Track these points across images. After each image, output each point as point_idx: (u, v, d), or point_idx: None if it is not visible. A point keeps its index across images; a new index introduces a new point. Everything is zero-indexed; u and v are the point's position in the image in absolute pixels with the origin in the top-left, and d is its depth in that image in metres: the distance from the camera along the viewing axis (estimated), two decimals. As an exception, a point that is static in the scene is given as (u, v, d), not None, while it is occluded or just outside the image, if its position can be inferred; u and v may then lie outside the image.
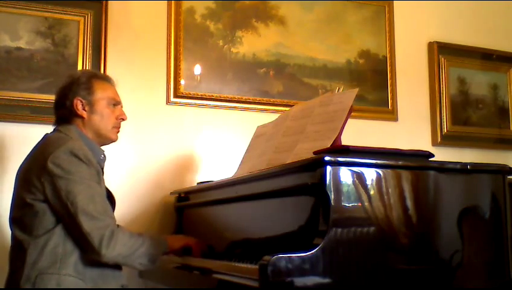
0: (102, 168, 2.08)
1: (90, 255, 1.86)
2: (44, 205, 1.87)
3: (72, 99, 2.04)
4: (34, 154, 1.99)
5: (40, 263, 1.84)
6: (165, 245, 2.06)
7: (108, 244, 1.83)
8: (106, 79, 2.17)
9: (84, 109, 2.05)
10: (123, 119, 2.15)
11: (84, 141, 2.01)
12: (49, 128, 2.11)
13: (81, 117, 2.05)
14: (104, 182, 2.02)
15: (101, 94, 2.08)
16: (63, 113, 2.07)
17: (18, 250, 1.91)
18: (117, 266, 1.97)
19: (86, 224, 1.82)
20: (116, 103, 2.13)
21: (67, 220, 1.86)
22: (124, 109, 2.17)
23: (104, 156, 2.11)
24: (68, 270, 1.85)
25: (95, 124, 2.06)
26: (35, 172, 1.89)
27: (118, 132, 2.15)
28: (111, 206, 2.04)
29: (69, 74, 2.18)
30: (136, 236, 1.94)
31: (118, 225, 1.93)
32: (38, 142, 2.04)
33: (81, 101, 2.04)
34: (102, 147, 2.13)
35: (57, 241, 1.87)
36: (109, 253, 1.83)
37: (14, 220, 1.96)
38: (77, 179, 1.86)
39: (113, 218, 1.93)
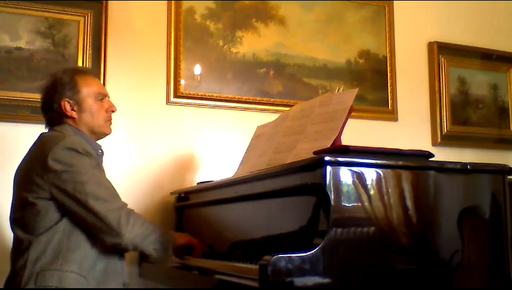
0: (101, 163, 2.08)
1: (109, 239, 1.86)
2: (47, 203, 1.87)
3: (59, 102, 2.03)
4: (32, 154, 1.99)
5: (43, 259, 1.85)
6: (172, 238, 2.05)
7: (127, 223, 1.84)
8: (88, 73, 2.16)
9: (73, 110, 2.04)
10: (113, 111, 2.14)
11: (80, 136, 2.01)
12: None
13: (72, 118, 2.05)
14: (105, 174, 2.03)
15: (86, 91, 2.06)
16: (53, 117, 2.06)
17: (20, 249, 1.91)
18: (120, 263, 1.96)
19: (100, 207, 1.83)
20: (103, 96, 2.11)
21: (79, 211, 1.85)
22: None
23: (102, 151, 2.11)
24: (70, 267, 1.85)
25: (86, 122, 2.06)
26: (37, 171, 1.89)
27: (111, 124, 2.15)
28: None
29: (50, 74, 2.15)
30: (148, 222, 1.95)
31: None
32: (35, 142, 2.03)
33: (69, 102, 2.03)
34: (99, 142, 2.14)
35: (60, 237, 1.87)
36: (129, 233, 1.84)
37: (15, 221, 1.96)
38: (81, 170, 1.87)
39: (123, 200, 1.94)
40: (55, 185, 1.86)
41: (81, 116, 2.05)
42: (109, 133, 2.14)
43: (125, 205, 1.91)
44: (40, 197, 1.88)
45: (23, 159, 2.03)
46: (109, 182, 1.97)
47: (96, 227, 1.86)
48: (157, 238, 1.94)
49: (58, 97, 2.03)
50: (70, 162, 1.87)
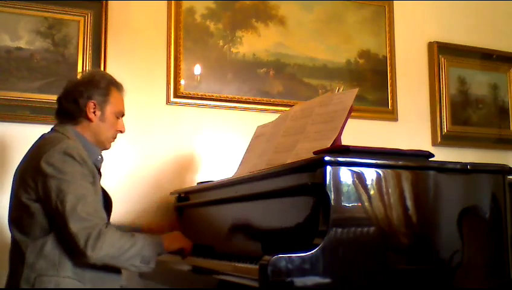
0: (99, 169, 2.08)
1: (78, 256, 1.83)
2: (38, 205, 1.87)
3: (86, 100, 2.04)
4: (30, 155, 1.98)
5: (39, 265, 1.84)
6: (160, 246, 1.99)
7: (94, 245, 1.78)
8: (121, 89, 2.17)
9: (94, 113, 2.05)
10: (121, 132, 2.18)
11: (81, 141, 2.01)
12: (49, 128, 2.11)
13: (88, 119, 2.05)
14: (99, 183, 2.02)
15: (113, 105, 2.10)
16: (72, 109, 2.05)
17: (17, 251, 1.90)
18: (116, 269, 1.95)
19: (73, 224, 1.79)
20: (122, 115, 2.16)
21: (58, 220, 1.84)
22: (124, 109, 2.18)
23: (101, 157, 2.11)
24: (67, 273, 1.85)
25: (98, 130, 2.07)
26: (30, 172, 1.89)
27: (113, 141, 2.17)
28: (107, 208, 2.03)
29: (90, 72, 2.19)
30: (128, 236, 1.89)
31: (108, 225, 1.87)
32: (35, 142, 2.03)
33: (95, 105, 2.05)
34: None
35: (55, 242, 1.86)
36: (95, 254, 1.79)
37: (13, 221, 1.95)
38: (69, 178, 1.84)
39: (104, 219, 1.88)
40: (42, 187, 1.85)
41: (97, 123, 2.07)
42: (108, 148, 2.16)
43: (100, 223, 1.83)
44: (31, 199, 1.87)
45: (22, 159, 2.03)
46: (94, 195, 1.91)
47: (68, 241, 1.83)
48: (137, 252, 1.88)
49: (87, 95, 2.05)
50: (61, 167, 1.85)
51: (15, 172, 2.02)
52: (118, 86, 2.16)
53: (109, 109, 2.09)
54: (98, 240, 1.80)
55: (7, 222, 2.01)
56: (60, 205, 1.81)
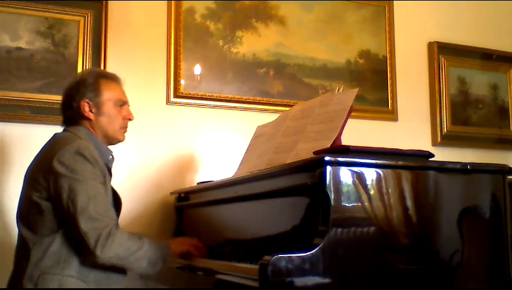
0: (110, 169, 2.08)
1: (87, 256, 1.84)
2: (48, 203, 1.88)
3: (79, 101, 2.03)
4: (42, 154, 1.99)
5: (44, 262, 1.84)
6: (167, 250, 2.01)
7: (104, 244, 1.80)
8: (113, 78, 2.14)
9: (91, 111, 2.04)
10: (130, 119, 2.14)
11: (93, 141, 2.01)
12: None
13: (88, 119, 2.05)
14: (110, 183, 2.02)
15: (108, 95, 2.07)
16: (71, 115, 2.06)
17: (23, 249, 1.91)
18: (121, 270, 1.96)
19: (84, 224, 1.81)
20: (123, 103, 2.12)
21: (68, 219, 1.85)
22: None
23: (113, 157, 2.11)
24: (71, 272, 1.85)
25: (102, 125, 2.06)
26: (42, 171, 1.90)
27: (125, 132, 2.15)
28: (117, 208, 2.03)
29: (76, 74, 2.16)
30: (136, 239, 1.91)
31: (117, 226, 1.90)
32: (47, 141, 2.04)
33: (88, 103, 2.04)
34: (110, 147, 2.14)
35: (62, 241, 1.86)
36: (105, 254, 1.81)
37: (21, 218, 1.96)
38: (80, 178, 1.85)
39: (113, 219, 1.90)
40: (53, 186, 1.86)
41: (98, 119, 2.05)
42: (122, 140, 2.14)
43: (110, 223, 1.85)
44: (42, 197, 1.88)
45: (34, 159, 2.03)
46: (105, 195, 1.92)
47: (79, 240, 1.84)
48: (144, 254, 1.89)
49: (79, 97, 2.04)
50: (73, 167, 1.86)
51: (26, 171, 2.02)
52: (108, 76, 2.13)
53: (104, 101, 2.05)
54: (107, 240, 1.81)
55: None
56: (71, 204, 1.82)
